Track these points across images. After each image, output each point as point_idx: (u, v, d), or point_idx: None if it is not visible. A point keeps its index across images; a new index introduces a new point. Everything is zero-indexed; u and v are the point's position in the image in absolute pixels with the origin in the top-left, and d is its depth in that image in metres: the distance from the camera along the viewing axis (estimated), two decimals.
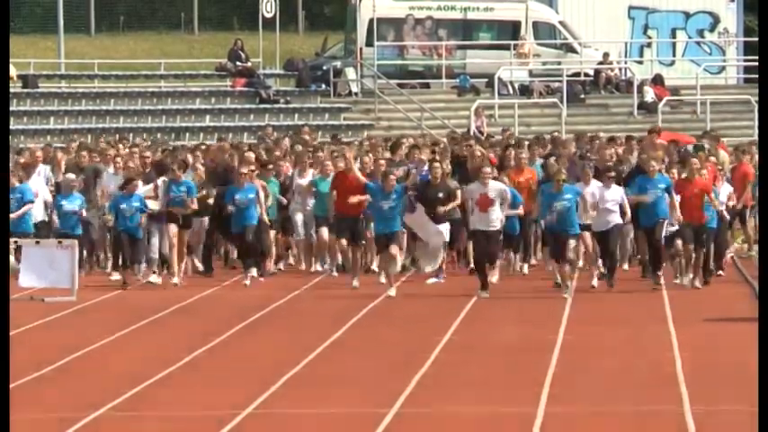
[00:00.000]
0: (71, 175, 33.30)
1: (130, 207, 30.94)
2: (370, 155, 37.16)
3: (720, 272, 32.23)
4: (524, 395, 20.35)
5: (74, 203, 31.85)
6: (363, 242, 32.92)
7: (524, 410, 19.16)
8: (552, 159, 34.69)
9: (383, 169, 32.84)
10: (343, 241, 31.46)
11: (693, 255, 30.18)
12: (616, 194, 30.31)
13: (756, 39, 66.76)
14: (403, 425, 18.55)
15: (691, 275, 30.20)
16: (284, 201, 34.81)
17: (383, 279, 30.72)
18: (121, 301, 30.14)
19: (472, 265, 31.34)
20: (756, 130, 55.33)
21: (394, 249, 29.76)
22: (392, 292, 29.17)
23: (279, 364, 22.74)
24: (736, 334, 25.91)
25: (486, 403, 20.10)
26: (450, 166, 33.07)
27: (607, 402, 20.04)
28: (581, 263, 32.36)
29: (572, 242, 29.53)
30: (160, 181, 32.07)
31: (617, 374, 22.21)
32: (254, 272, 32.27)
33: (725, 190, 31.93)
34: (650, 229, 30.50)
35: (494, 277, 31.25)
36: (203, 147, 40.38)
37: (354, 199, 31.03)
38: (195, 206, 32.13)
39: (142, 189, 31.81)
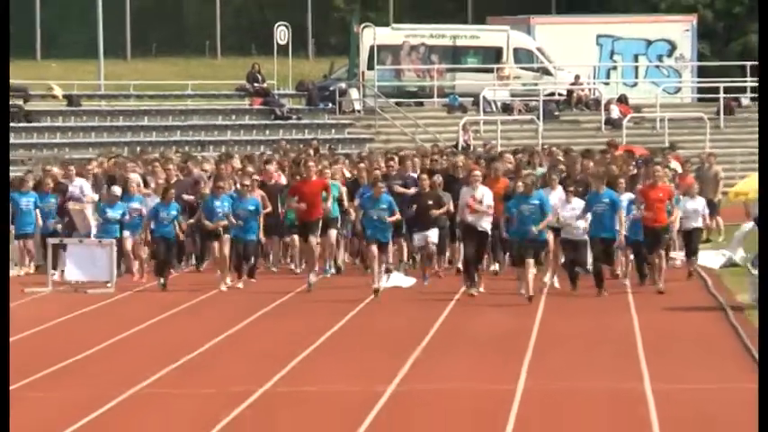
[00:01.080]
0: (116, 188, 32.75)
1: (168, 214, 30.38)
2: (363, 165, 36.00)
3: (693, 270, 31.41)
4: (508, 367, 20.48)
5: (116, 212, 31.25)
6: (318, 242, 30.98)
7: (507, 387, 19.32)
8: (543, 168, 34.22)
9: (374, 178, 31.63)
10: (312, 240, 29.71)
11: (656, 260, 29.12)
12: (578, 206, 28.96)
13: (708, 63, 67.07)
14: (400, 399, 18.74)
15: (660, 284, 28.89)
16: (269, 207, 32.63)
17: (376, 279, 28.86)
18: (153, 293, 30.10)
19: (460, 265, 30.57)
20: (708, 144, 55.46)
21: (381, 252, 28.87)
22: (377, 284, 28.16)
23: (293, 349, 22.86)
24: (696, 318, 26.26)
25: (472, 381, 20.22)
26: (440, 178, 32.43)
27: (578, 379, 20.25)
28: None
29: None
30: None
31: (591, 353, 22.33)
32: (245, 279, 31.04)
33: (699, 202, 31.15)
34: (595, 240, 28.71)
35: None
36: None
37: (321, 207, 29.67)
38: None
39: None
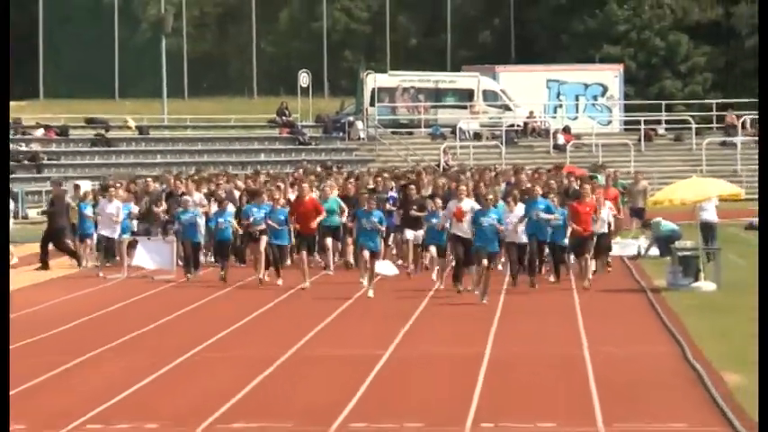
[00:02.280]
0: (187, 197, 31.61)
1: (224, 220, 29.63)
2: (351, 181, 34.60)
3: (610, 267, 30.47)
4: (476, 340, 20.40)
5: (188, 216, 29.96)
6: (316, 253, 29.96)
7: (477, 350, 19.31)
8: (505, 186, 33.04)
9: (365, 195, 29.69)
10: (304, 253, 27.75)
11: (582, 263, 27.36)
12: (520, 212, 27.14)
13: (632, 102, 67.04)
14: (396, 358, 18.75)
15: (586, 283, 27.01)
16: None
17: (365, 282, 26.80)
18: (205, 281, 29.88)
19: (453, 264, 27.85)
20: (632, 163, 55.41)
21: (372, 259, 26.68)
22: (370, 293, 26.05)
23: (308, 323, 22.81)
24: (623, 298, 26.17)
25: (450, 346, 20.21)
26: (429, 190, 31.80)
27: (533, 344, 20.16)
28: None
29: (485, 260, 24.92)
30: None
31: (541, 329, 22.27)
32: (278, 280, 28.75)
33: (606, 211, 30.22)
34: (532, 240, 27.15)
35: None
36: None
37: (313, 224, 27.68)
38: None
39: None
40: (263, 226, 28.42)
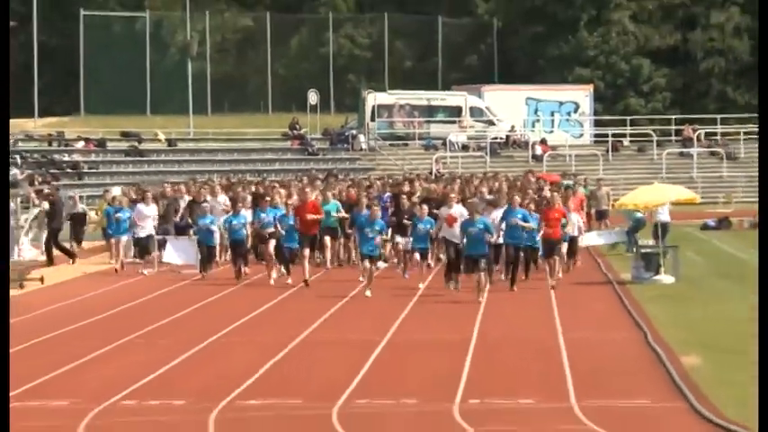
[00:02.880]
0: (206, 204, 31.10)
1: (239, 223, 28.38)
2: (353, 189, 33.54)
3: (578, 262, 29.66)
4: (464, 328, 20.38)
5: (205, 221, 29.11)
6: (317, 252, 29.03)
7: (465, 337, 19.28)
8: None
9: (369, 202, 28.83)
10: (306, 251, 26.89)
11: (548, 265, 25.97)
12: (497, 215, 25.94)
13: (600, 117, 66.90)
14: (393, 343, 18.72)
15: (552, 281, 25.70)
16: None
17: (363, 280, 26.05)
18: (220, 279, 29.42)
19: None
20: (601, 171, 55.34)
21: (373, 265, 25.43)
22: (368, 293, 24.87)
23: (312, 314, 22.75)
24: (592, 289, 26.12)
25: (441, 333, 20.20)
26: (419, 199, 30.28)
27: (514, 329, 20.08)
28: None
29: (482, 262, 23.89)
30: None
31: (521, 317, 22.17)
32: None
33: (575, 217, 29.79)
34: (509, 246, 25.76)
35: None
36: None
37: (312, 217, 26.99)
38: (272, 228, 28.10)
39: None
40: (271, 228, 27.87)
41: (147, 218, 30.64)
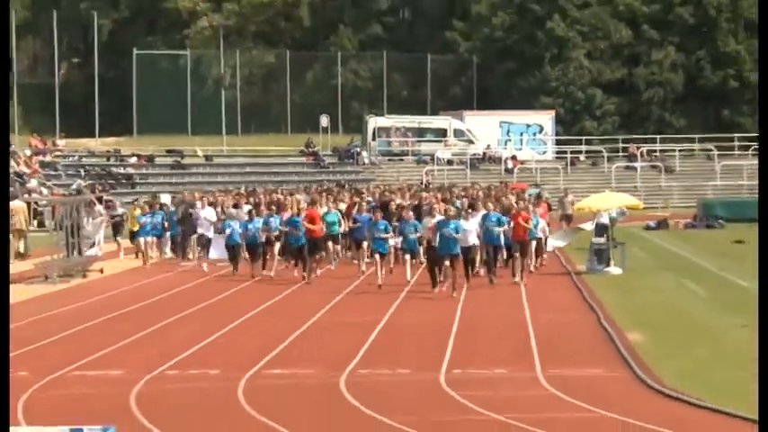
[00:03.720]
0: (232, 210, 30.49)
1: (254, 227, 26.90)
2: (356, 197, 32.61)
3: (543, 262, 28.50)
4: (448, 313, 20.29)
5: (230, 225, 27.83)
6: (322, 253, 26.85)
7: (449, 319, 19.23)
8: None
9: (370, 207, 27.91)
10: (304, 253, 25.52)
11: (519, 261, 24.81)
12: (474, 224, 24.27)
13: (561, 137, 66.78)
14: (389, 325, 18.63)
15: (517, 278, 24.46)
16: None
17: (363, 267, 25.67)
18: (240, 273, 27.56)
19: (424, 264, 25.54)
20: (561, 182, 55.29)
21: (382, 260, 24.59)
22: (380, 281, 23.85)
23: (320, 303, 22.65)
24: (554, 279, 25.98)
25: (429, 316, 20.12)
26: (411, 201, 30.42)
27: (489, 313, 20.00)
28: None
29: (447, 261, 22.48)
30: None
31: (495, 303, 22.11)
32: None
33: (542, 222, 28.01)
34: (489, 245, 24.42)
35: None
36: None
37: (308, 225, 25.46)
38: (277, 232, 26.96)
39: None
40: (277, 232, 26.65)
41: (207, 219, 29.28)
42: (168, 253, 31.96)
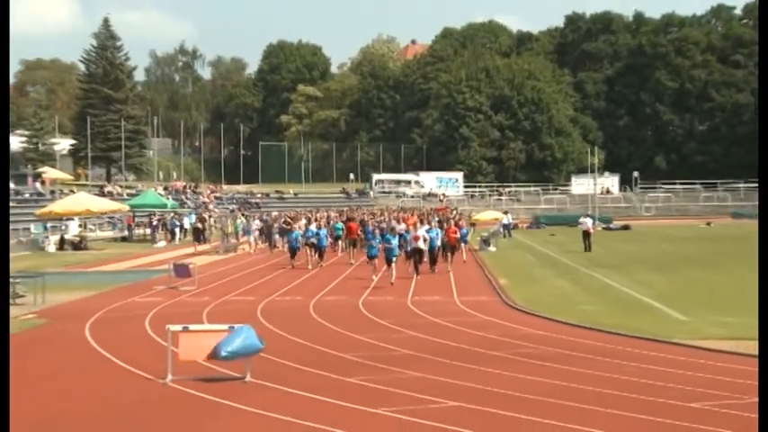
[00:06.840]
0: (294, 224, 25.13)
1: (314, 234, 20.70)
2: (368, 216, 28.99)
3: (464, 260, 21.99)
4: (404, 294, 18.39)
5: (292, 235, 22.13)
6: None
7: (404, 300, 18.06)
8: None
9: (389, 224, 22.36)
10: (348, 246, 21.75)
11: (449, 258, 19.89)
12: (422, 232, 19.83)
13: (468, 184, 65.42)
14: (373, 301, 17.72)
15: (449, 267, 19.53)
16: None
17: (393, 277, 18.38)
18: (281, 264, 21.47)
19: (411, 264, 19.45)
20: (468, 207, 54.23)
21: (393, 266, 17.67)
22: (392, 279, 17.30)
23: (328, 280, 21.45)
24: (468, 268, 23.22)
25: (392, 297, 18.42)
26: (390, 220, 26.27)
27: (431, 295, 16.45)
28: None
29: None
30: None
31: (432, 284, 16.65)
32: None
33: (465, 231, 23.00)
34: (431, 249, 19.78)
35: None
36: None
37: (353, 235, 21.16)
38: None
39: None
40: (314, 239, 20.75)
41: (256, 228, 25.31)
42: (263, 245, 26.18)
